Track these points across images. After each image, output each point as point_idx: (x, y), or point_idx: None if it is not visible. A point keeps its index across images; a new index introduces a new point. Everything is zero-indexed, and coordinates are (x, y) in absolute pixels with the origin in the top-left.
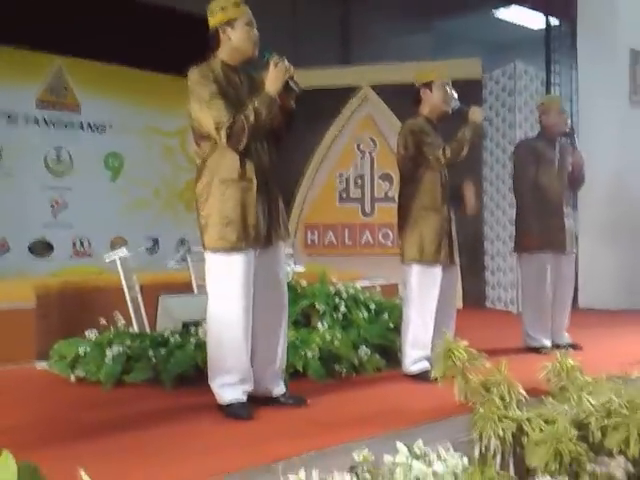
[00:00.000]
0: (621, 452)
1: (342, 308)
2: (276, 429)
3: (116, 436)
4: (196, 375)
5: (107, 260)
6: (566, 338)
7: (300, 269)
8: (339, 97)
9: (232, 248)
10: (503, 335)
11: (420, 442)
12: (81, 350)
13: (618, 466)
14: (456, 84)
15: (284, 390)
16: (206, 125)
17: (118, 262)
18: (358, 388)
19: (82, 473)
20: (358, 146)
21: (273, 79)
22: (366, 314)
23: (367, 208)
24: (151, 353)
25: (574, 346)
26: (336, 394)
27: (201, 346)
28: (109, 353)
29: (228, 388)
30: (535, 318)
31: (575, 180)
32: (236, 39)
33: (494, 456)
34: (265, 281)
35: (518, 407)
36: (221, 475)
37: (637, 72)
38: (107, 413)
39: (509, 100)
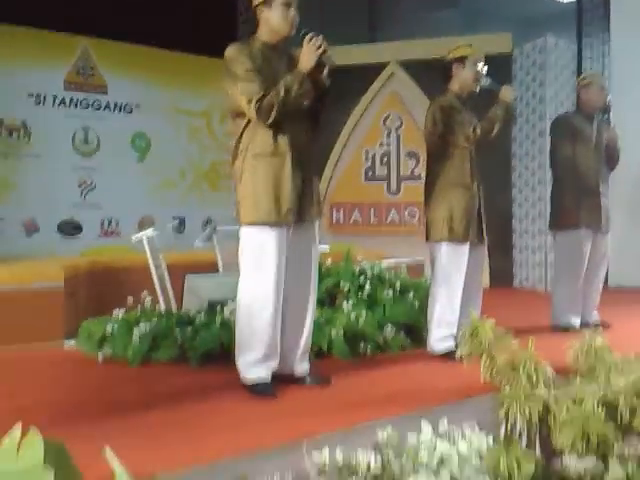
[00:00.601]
0: None
1: (367, 287)
2: (300, 407)
3: (143, 413)
4: (221, 353)
5: (134, 240)
6: (595, 317)
7: (325, 248)
8: (366, 75)
9: (263, 222)
10: (531, 314)
11: (445, 421)
12: (109, 329)
13: None
14: (486, 59)
15: (308, 369)
16: (239, 100)
17: (145, 242)
18: (383, 367)
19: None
20: (384, 123)
21: (306, 56)
22: (391, 293)
23: (393, 186)
24: (177, 332)
25: (603, 325)
26: (361, 373)
27: (226, 325)
28: (136, 332)
29: (254, 366)
30: (566, 297)
31: (611, 158)
32: (273, 19)
33: (520, 436)
34: (297, 258)
35: (545, 386)
36: (245, 452)
37: None
38: (134, 391)
39: (540, 75)
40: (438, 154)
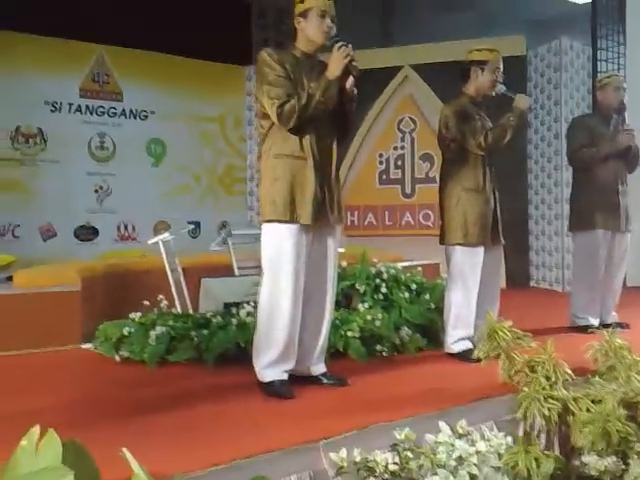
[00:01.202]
0: None
1: (383, 289)
2: (317, 408)
3: (161, 414)
4: (237, 355)
5: (150, 243)
6: (614, 317)
7: (340, 250)
8: (380, 78)
9: (280, 220)
10: (548, 314)
11: (463, 422)
12: (126, 331)
13: None
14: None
15: (325, 369)
16: (264, 103)
17: (161, 245)
18: (399, 368)
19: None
20: (398, 126)
21: (334, 63)
22: (407, 294)
23: (407, 189)
24: (194, 333)
25: (622, 325)
26: (377, 373)
27: (242, 326)
28: (153, 334)
29: (271, 366)
30: (585, 297)
31: (629, 161)
32: (308, 29)
33: (539, 435)
34: (317, 261)
35: (564, 387)
36: (263, 452)
37: None
38: (151, 392)
39: (554, 77)
40: (451, 158)
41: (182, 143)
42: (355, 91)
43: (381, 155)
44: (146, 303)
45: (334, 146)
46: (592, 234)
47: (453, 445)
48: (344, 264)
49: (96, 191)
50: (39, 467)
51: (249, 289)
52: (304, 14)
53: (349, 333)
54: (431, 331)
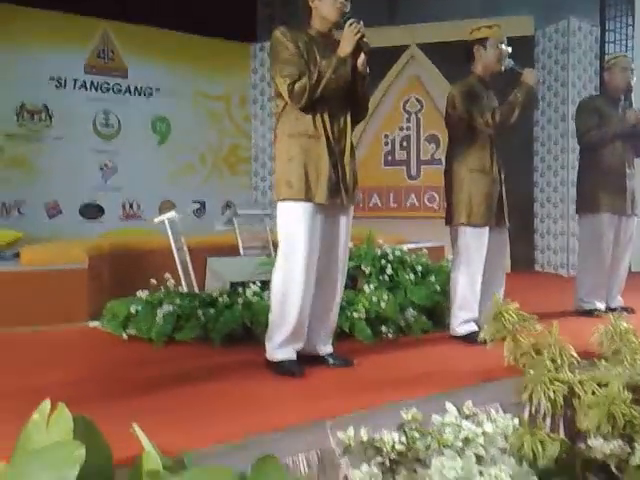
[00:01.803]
0: None
1: (388, 270)
2: (325, 387)
3: (168, 392)
4: (244, 334)
5: (156, 222)
6: (619, 301)
7: None
8: (386, 57)
9: (294, 199)
10: (554, 298)
11: (470, 403)
12: (133, 309)
13: None
14: (508, 42)
15: (332, 350)
16: (277, 82)
17: (167, 224)
18: (405, 349)
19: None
20: (404, 107)
21: (345, 40)
22: (412, 276)
23: (413, 171)
24: (200, 312)
25: (627, 309)
26: (383, 355)
27: (248, 306)
28: (160, 312)
29: (282, 345)
30: (591, 281)
31: (634, 144)
32: (322, 7)
33: (544, 418)
34: (328, 241)
35: (570, 370)
36: (270, 430)
37: None
38: (158, 370)
39: (562, 58)
40: (458, 138)
41: (187, 121)
42: (367, 69)
43: (386, 136)
44: (153, 282)
45: (349, 125)
46: (598, 217)
47: (460, 426)
48: (350, 245)
49: (101, 169)
50: (50, 441)
51: (255, 269)
52: None
53: (355, 314)
54: (436, 313)
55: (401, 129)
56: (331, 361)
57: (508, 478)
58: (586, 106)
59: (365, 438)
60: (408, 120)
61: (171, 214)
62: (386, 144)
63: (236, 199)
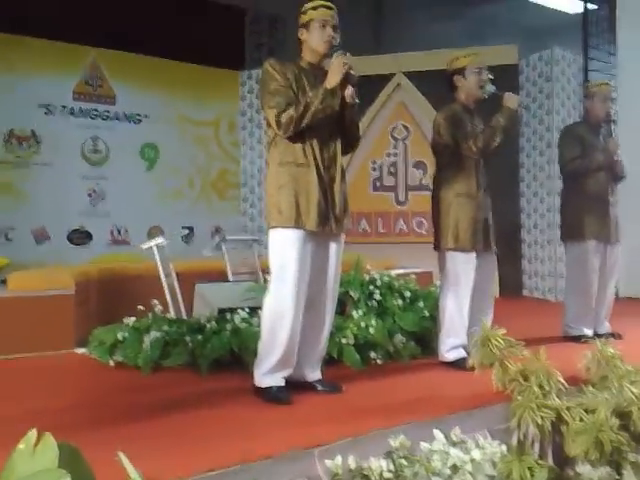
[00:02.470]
0: None
1: (377, 296)
2: (312, 414)
3: (155, 419)
4: (232, 360)
5: (144, 248)
6: (607, 327)
7: None
8: (373, 85)
9: (284, 226)
10: (541, 324)
11: (457, 430)
12: (120, 336)
13: None
14: (492, 71)
15: (320, 376)
16: (266, 112)
17: (155, 250)
18: (394, 375)
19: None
20: (392, 133)
21: (332, 72)
22: (401, 302)
23: (401, 196)
24: (188, 339)
25: (614, 335)
26: (372, 381)
27: (236, 332)
28: (147, 339)
29: (270, 371)
30: (578, 307)
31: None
32: (310, 40)
33: (532, 444)
34: (319, 269)
35: (557, 396)
36: (258, 458)
37: None
38: (146, 397)
39: (546, 86)
40: (444, 164)
41: (175, 147)
42: (356, 100)
43: (374, 162)
44: (140, 308)
45: (338, 153)
46: (583, 245)
47: (448, 453)
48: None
49: (89, 195)
50: (36, 470)
51: (243, 295)
52: (306, 25)
53: (343, 340)
54: (425, 339)
55: (388, 155)
56: (319, 387)
57: None
58: (569, 134)
59: (353, 466)
60: (395, 146)
61: (159, 240)
62: (374, 170)
63: (225, 225)
